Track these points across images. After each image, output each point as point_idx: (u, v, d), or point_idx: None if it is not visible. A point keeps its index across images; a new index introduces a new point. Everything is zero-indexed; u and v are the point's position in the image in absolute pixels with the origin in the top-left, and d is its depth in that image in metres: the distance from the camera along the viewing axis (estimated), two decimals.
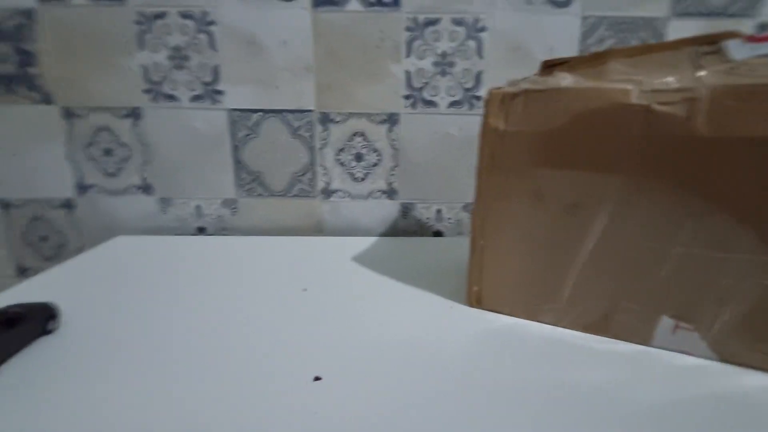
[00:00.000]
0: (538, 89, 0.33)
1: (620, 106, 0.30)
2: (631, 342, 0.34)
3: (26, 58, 0.60)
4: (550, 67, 0.35)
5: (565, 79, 0.33)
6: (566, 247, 0.34)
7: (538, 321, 0.37)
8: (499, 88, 0.35)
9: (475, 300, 0.40)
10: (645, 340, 0.33)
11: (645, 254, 0.32)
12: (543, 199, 0.35)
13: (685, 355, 0.32)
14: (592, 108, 0.31)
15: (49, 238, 0.67)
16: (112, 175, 0.65)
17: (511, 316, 0.38)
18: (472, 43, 0.61)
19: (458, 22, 0.60)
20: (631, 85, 0.30)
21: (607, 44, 0.61)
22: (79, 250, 0.67)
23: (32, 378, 0.29)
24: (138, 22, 0.59)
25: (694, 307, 0.31)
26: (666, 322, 0.32)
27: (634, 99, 0.29)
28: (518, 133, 0.34)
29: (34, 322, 0.33)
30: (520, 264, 0.37)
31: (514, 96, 0.34)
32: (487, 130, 0.36)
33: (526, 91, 0.33)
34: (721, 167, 0.28)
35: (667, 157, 0.29)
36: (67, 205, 0.66)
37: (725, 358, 0.31)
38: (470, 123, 0.64)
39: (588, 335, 0.35)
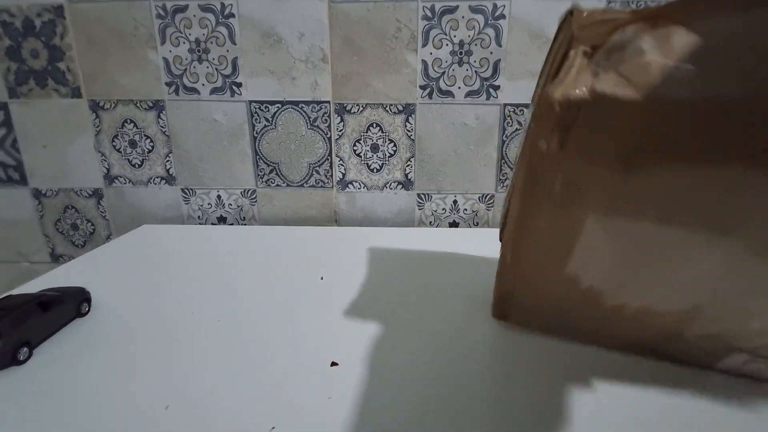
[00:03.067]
0: (622, 98, 0.21)
1: None
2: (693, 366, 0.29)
3: (55, 53, 0.62)
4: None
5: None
6: (604, 271, 0.29)
7: (570, 340, 0.33)
8: (554, 78, 0.23)
9: (501, 314, 0.36)
10: (711, 364, 0.28)
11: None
12: (587, 224, 0.27)
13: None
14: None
15: (79, 226, 0.70)
16: (137, 165, 0.68)
17: (541, 334, 0.34)
18: (490, 31, 0.60)
19: (476, 10, 0.59)
20: None
21: None
22: (107, 238, 0.71)
23: (69, 356, 0.31)
24: (159, 16, 0.61)
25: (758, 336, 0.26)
26: (736, 357, 0.27)
27: None
28: (580, 155, 0.23)
29: (69, 305, 0.35)
30: (552, 284, 0.32)
31: (580, 105, 0.22)
32: (532, 151, 0.26)
33: (603, 97, 0.21)
34: None
35: None
36: (97, 194, 0.69)
37: None
38: (487, 113, 0.63)
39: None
